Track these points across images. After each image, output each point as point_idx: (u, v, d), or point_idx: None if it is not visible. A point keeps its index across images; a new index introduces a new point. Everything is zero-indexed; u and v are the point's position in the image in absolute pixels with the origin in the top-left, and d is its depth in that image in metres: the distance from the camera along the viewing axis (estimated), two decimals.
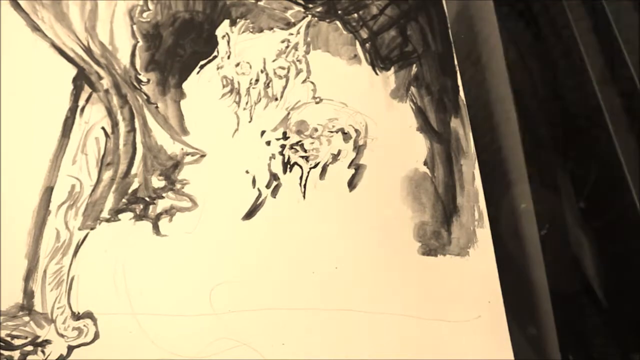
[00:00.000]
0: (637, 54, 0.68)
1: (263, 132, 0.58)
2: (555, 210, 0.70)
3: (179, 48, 0.59)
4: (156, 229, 0.54)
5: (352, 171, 0.57)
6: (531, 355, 0.62)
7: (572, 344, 0.63)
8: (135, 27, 0.59)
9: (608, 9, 0.71)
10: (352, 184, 0.57)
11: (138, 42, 0.59)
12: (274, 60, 0.60)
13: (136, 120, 0.57)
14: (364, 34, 0.62)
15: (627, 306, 0.65)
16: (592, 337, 0.67)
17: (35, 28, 0.58)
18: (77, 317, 0.51)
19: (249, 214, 0.55)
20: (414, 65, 0.62)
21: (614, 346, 0.66)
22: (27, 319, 0.51)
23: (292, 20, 0.62)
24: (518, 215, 0.69)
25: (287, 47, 0.61)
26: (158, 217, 0.54)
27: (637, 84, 0.67)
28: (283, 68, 0.60)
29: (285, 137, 0.58)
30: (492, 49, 0.75)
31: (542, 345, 0.63)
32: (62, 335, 0.51)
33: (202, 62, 0.59)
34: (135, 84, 0.58)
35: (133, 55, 0.59)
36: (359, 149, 0.58)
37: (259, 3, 0.62)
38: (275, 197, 0.56)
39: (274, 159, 0.57)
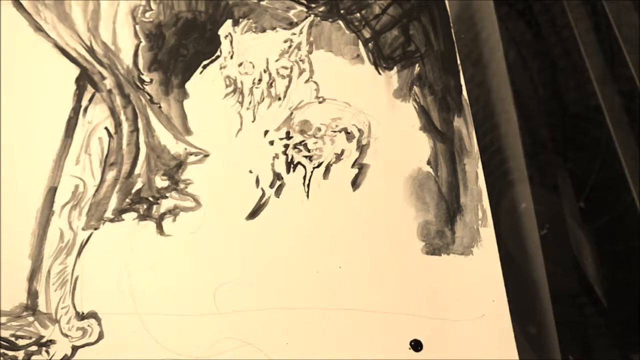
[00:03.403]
0: (637, 54, 0.68)
1: (266, 132, 0.58)
2: (555, 210, 0.70)
3: (181, 48, 0.59)
4: (160, 228, 0.54)
5: (356, 171, 0.57)
6: (531, 355, 0.62)
7: (572, 344, 0.63)
8: (137, 27, 0.59)
9: (608, 8, 0.71)
10: (355, 184, 0.57)
11: (141, 42, 0.59)
12: (276, 60, 0.60)
13: (139, 120, 0.57)
14: (367, 33, 0.62)
15: (627, 306, 0.65)
16: (592, 337, 0.67)
17: (38, 28, 0.58)
18: (81, 317, 0.51)
19: (253, 214, 0.55)
20: (417, 65, 0.62)
21: (614, 346, 0.66)
22: (31, 319, 0.51)
23: (295, 20, 0.62)
24: (518, 215, 0.69)
25: (290, 46, 0.61)
26: (162, 217, 0.54)
27: (637, 84, 0.67)
28: (286, 68, 0.60)
29: (288, 136, 0.58)
30: (492, 49, 0.75)
31: (542, 345, 0.63)
32: (66, 335, 0.51)
33: (205, 62, 0.59)
34: (138, 83, 0.58)
35: (136, 55, 0.59)
36: (362, 148, 0.58)
37: (262, 3, 0.62)
38: (278, 197, 0.56)
39: (278, 158, 0.57)
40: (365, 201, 0.57)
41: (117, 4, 0.60)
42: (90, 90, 0.57)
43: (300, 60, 0.60)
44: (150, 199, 0.55)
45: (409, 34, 0.63)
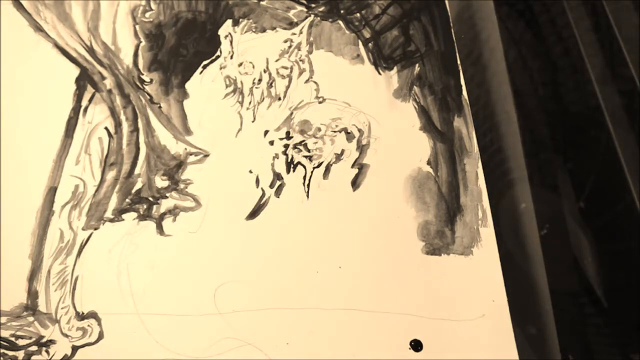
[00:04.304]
0: (637, 54, 0.68)
1: (266, 132, 0.58)
2: (555, 210, 0.70)
3: (181, 48, 0.59)
4: (160, 228, 0.54)
5: (356, 171, 0.57)
6: (531, 355, 0.62)
7: (572, 344, 0.63)
8: (137, 27, 0.59)
9: (608, 8, 0.71)
10: (355, 184, 0.57)
11: (141, 42, 0.59)
12: (276, 60, 0.60)
13: (139, 120, 0.57)
14: (367, 33, 0.62)
15: (627, 306, 0.65)
16: (592, 337, 0.67)
17: (38, 28, 0.58)
18: (81, 317, 0.51)
19: (253, 214, 0.55)
20: (417, 65, 0.62)
21: (614, 346, 0.66)
22: (31, 319, 0.51)
23: (295, 20, 0.62)
24: (518, 215, 0.69)
25: (290, 46, 0.61)
26: (162, 217, 0.54)
27: (637, 84, 0.67)
28: (286, 68, 0.60)
29: (288, 136, 0.58)
30: (492, 49, 0.75)
31: (542, 345, 0.63)
32: (66, 335, 0.51)
33: (205, 62, 0.59)
34: (138, 84, 0.58)
35: (136, 55, 0.59)
36: (362, 148, 0.58)
37: (262, 3, 0.62)
38: (278, 197, 0.56)
39: (278, 158, 0.57)
40: (365, 201, 0.57)
41: (117, 4, 0.60)
42: (90, 90, 0.57)
43: (300, 60, 0.60)
44: (150, 199, 0.55)
45: (409, 34, 0.63)
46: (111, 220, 0.54)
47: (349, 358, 0.52)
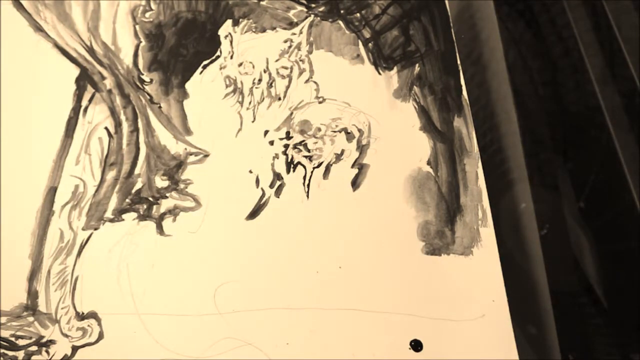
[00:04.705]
0: (637, 54, 0.68)
1: (266, 132, 0.58)
2: (555, 210, 0.70)
3: (181, 48, 0.59)
4: (160, 228, 0.54)
5: (356, 171, 0.57)
6: (531, 355, 0.62)
7: (572, 344, 0.63)
8: (137, 27, 0.59)
9: (608, 8, 0.71)
10: (355, 184, 0.57)
11: (141, 42, 0.59)
12: (276, 60, 0.60)
13: (139, 120, 0.57)
14: (367, 33, 0.62)
15: (627, 306, 0.65)
16: (592, 337, 0.67)
17: (38, 28, 0.58)
18: (81, 317, 0.51)
19: (253, 214, 0.55)
20: (417, 65, 0.62)
21: (614, 346, 0.66)
22: (31, 319, 0.51)
23: (295, 20, 0.62)
24: (518, 215, 0.69)
25: (290, 46, 0.61)
26: (162, 217, 0.54)
27: (637, 84, 0.67)
28: (286, 68, 0.60)
29: (288, 136, 0.58)
30: (492, 49, 0.75)
31: (542, 345, 0.63)
32: (66, 336, 0.51)
33: (205, 62, 0.59)
34: (138, 84, 0.58)
35: (136, 55, 0.59)
36: (362, 148, 0.58)
37: (262, 3, 0.62)
38: (278, 197, 0.56)
39: (278, 158, 0.57)
40: (365, 201, 0.57)
41: (117, 4, 0.60)
42: (90, 90, 0.57)
43: (300, 60, 0.60)
44: (150, 199, 0.55)
45: (409, 34, 0.63)
46: (111, 220, 0.54)
47: (349, 358, 0.52)
